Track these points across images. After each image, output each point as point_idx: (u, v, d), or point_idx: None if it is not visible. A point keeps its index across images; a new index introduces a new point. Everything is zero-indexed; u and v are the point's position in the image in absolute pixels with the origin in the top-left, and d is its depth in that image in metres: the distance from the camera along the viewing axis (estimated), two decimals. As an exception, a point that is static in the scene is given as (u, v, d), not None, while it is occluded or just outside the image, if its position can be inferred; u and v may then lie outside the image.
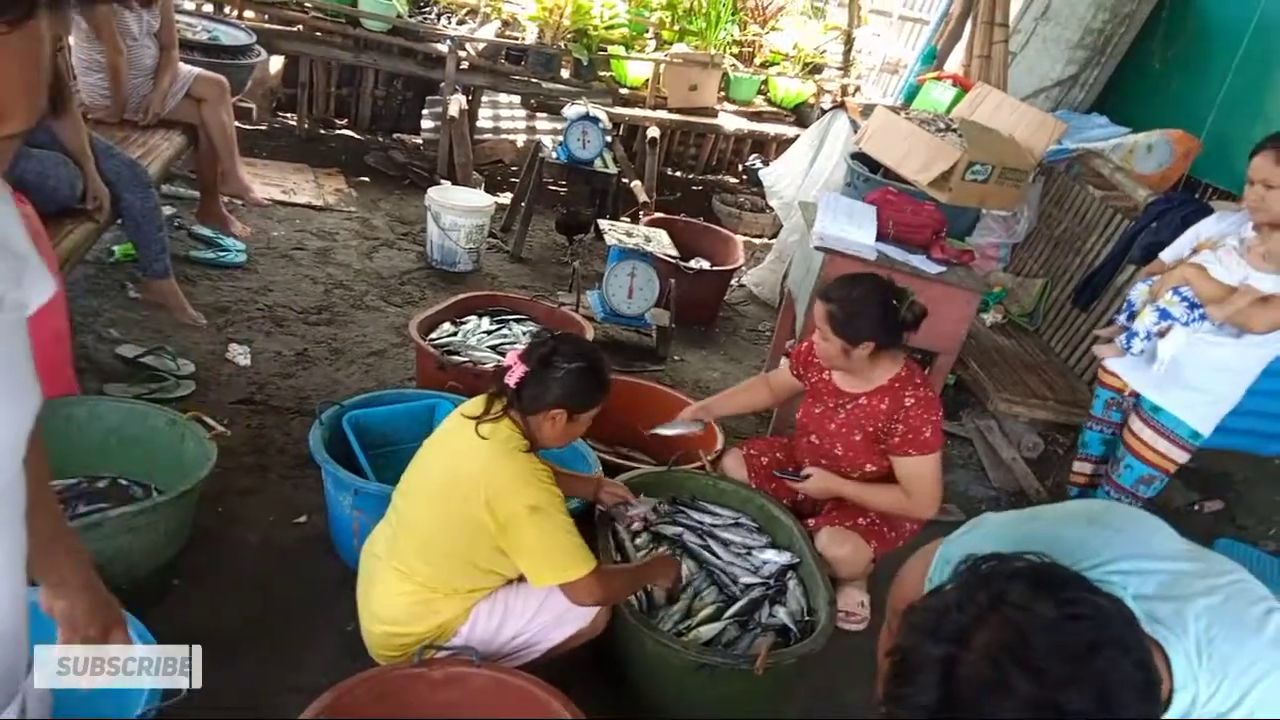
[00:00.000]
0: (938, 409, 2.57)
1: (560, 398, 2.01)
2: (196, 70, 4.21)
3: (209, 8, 5.79)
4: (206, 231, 4.32)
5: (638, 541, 2.56)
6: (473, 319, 3.67)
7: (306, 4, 5.83)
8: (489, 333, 3.60)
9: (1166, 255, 3.19)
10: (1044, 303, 4.58)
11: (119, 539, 2.18)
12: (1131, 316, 3.10)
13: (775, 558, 2.55)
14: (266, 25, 5.66)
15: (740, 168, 7.16)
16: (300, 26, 5.81)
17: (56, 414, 2.51)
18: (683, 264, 4.64)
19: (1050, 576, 1.04)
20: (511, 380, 2.02)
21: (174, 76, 4.07)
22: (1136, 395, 3.10)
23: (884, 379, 2.60)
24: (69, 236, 2.96)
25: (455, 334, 3.55)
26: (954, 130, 4.21)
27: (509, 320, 3.71)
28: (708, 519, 2.68)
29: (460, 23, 6.24)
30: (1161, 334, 2.93)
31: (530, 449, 2.01)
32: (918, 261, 3.48)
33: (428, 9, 6.22)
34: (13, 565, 0.91)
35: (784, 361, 2.95)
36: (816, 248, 3.44)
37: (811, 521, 2.69)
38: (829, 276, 3.44)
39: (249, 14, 5.68)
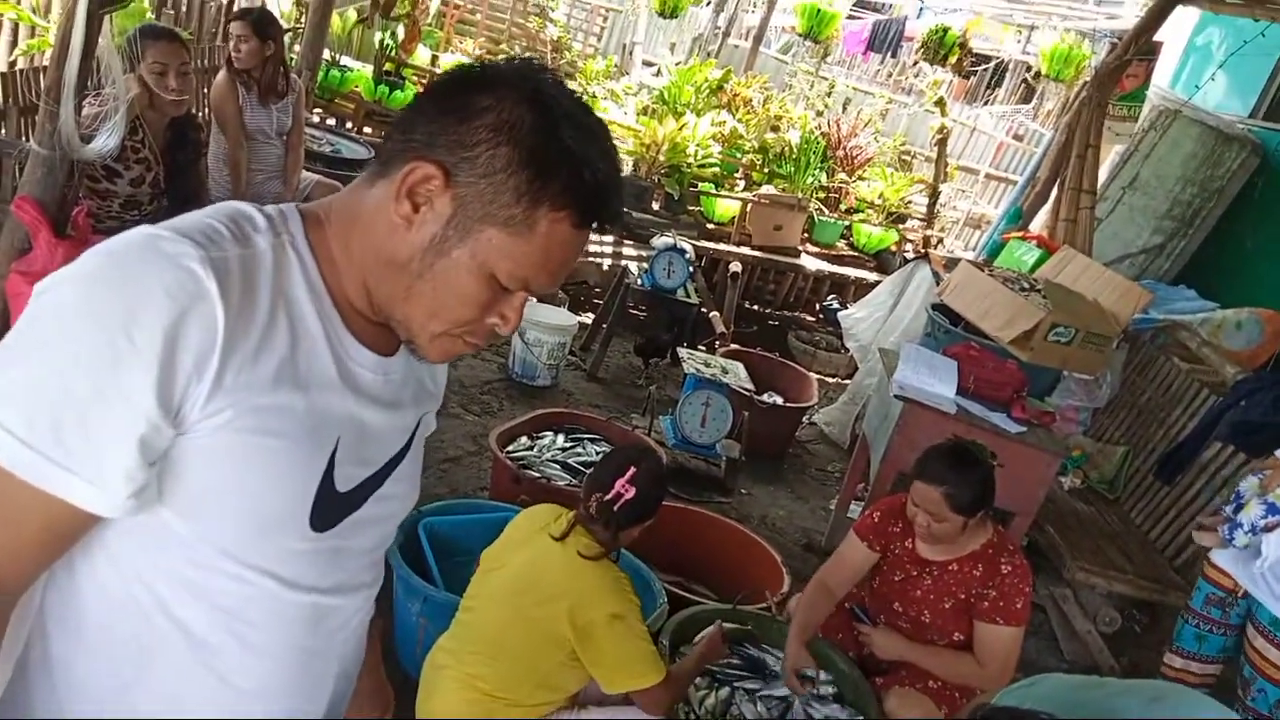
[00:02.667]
0: (1030, 581, 2.51)
1: (651, 512, 2.13)
2: (315, 176, 4.51)
3: (332, 121, 6.24)
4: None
5: (698, 680, 2.52)
6: (549, 435, 3.74)
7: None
8: (563, 449, 3.67)
9: None
10: (1125, 471, 4.48)
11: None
12: (1239, 509, 2.97)
13: (838, 713, 2.48)
14: (381, 140, 6.06)
15: (818, 307, 7.26)
16: (413, 144, 6.20)
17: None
18: (757, 397, 4.68)
19: None
20: (619, 504, 2.08)
21: (300, 178, 4.35)
22: (1247, 596, 2.95)
23: (976, 544, 2.55)
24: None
25: (531, 448, 3.62)
26: (1038, 290, 4.24)
27: (584, 439, 3.78)
28: (770, 660, 2.63)
29: (561, 151, 6.58)
30: (1269, 529, 2.82)
31: (605, 555, 2.06)
32: (997, 419, 3.47)
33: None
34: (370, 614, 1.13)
35: (852, 540, 2.73)
36: (896, 396, 3.46)
37: (880, 680, 2.62)
38: (907, 426, 3.45)
39: (368, 129, 6.09)
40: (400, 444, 1.04)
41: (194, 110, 3.67)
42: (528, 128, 0.86)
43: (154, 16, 6.19)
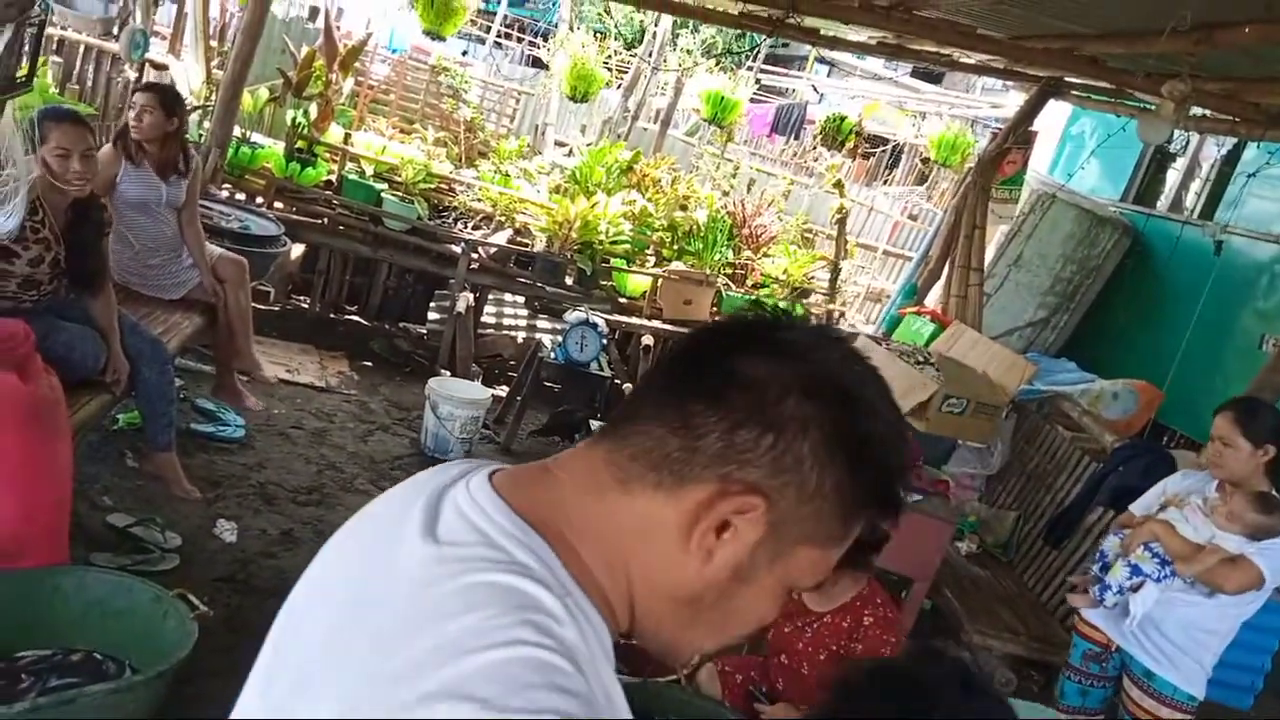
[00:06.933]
0: (895, 630, 2.63)
1: None
2: (219, 250, 4.45)
3: (241, 197, 6.20)
4: (210, 405, 4.45)
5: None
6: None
7: (334, 200, 6.26)
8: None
9: (1136, 508, 3.20)
10: (1017, 535, 4.69)
11: (88, 717, 2.16)
12: (1105, 568, 3.09)
13: (745, 783, 2.52)
14: (293, 216, 6.05)
15: (728, 379, 7.42)
16: (325, 220, 6.21)
17: (44, 583, 2.53)
18: (668, 470, 4.75)
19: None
20: None
21: (206, 254, 4.27)
22: (1120, 650, 3.10)
23: (845, 597, 2.67)
24: (85, 407, 3.08)
25: (442, 526, 3.61)
26: (931, 364, 4.48)
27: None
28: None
29: (475, 227, 6.67)
30: (1134, 589, 2.98)
31: None
32: (895, 488, 3.61)
33: (446, 213, 6.67)
34: None
35: None
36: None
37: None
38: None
39: (278, 204, 6.08)
40: None
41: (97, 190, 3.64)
42: (856, 444, 0.75)
43: (58, 91, 6.11)
